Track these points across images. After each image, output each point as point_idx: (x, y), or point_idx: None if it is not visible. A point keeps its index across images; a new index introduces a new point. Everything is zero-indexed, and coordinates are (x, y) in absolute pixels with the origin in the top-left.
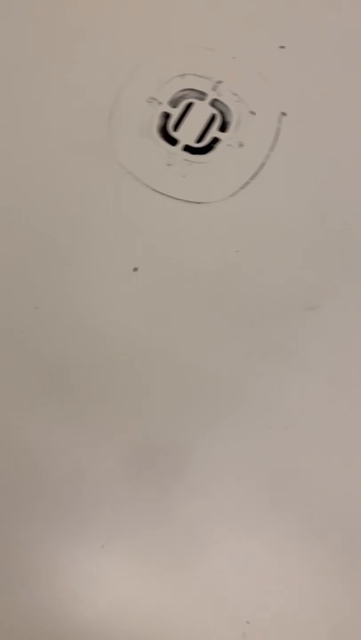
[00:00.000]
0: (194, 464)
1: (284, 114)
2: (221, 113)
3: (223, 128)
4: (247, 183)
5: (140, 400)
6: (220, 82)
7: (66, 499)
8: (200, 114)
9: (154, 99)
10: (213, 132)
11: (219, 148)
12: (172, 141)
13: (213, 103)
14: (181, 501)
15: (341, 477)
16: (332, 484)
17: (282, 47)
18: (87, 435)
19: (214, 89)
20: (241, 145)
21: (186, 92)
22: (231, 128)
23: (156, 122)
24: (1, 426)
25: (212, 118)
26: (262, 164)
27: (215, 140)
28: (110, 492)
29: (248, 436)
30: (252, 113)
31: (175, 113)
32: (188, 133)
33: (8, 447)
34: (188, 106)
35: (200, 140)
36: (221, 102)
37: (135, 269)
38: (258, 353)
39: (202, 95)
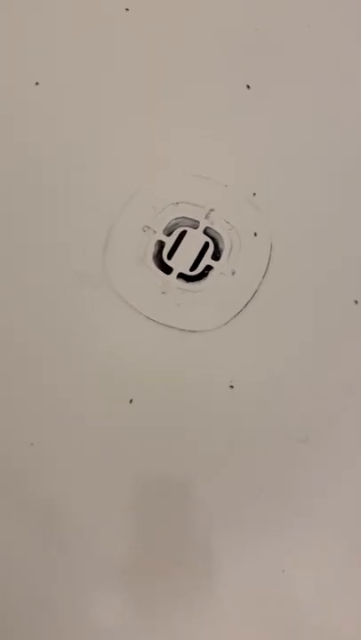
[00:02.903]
0: None
1: (275, 241)
2: (214, 241)
3: (216, 256)
4: (240, 311)
5: None
6: (212, 210)
7: None
8: (193, 242)
9: (148, 227)
10: (206, 259)
11: (212, 275)
12: (167, 269)
13: (206, 231)
14: None
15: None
16: None
17: (274, 174)
18: None
19: (207, 217)
20: (234, 273)
21: (179, 220)
22: (224, 256)
23: (151, 250)
24: None
25: (205, 246)
26: (255, 292)
27: (208, 268)
28: None
29: None
30: (245, 241)
31: (169, 241)
32: (181, 262)
33: None
34: (182, 234)
35: (193, 268)
36: (214, 230)
37: (131, 401)
38: (252, 486)
39: (195, 223)
